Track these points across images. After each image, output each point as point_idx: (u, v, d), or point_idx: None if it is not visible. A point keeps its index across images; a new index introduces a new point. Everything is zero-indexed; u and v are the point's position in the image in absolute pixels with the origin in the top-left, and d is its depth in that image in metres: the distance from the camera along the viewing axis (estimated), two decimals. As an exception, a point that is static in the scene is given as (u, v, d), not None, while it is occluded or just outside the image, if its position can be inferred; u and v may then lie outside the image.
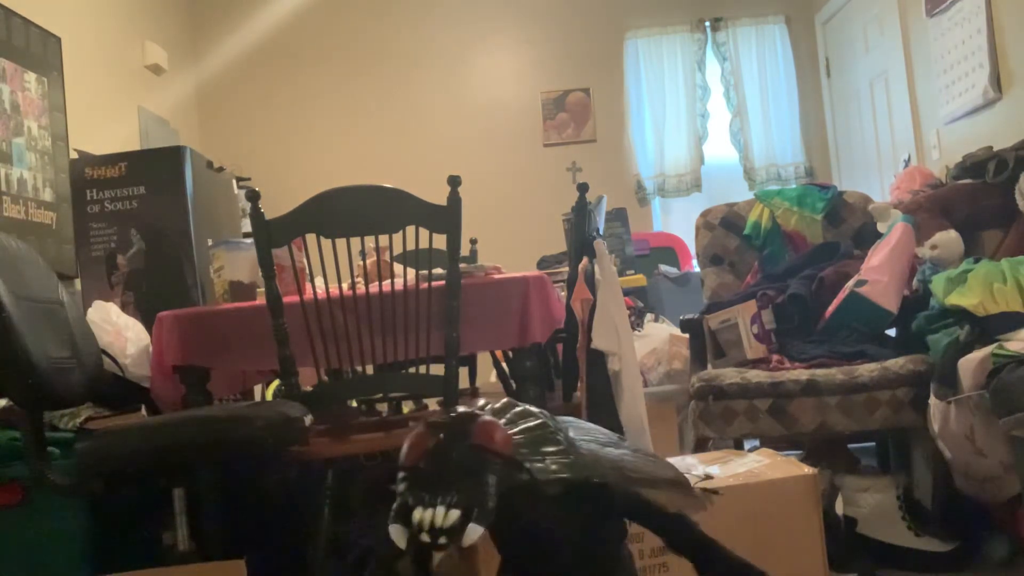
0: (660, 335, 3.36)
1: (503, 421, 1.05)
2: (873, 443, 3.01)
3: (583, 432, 1.14)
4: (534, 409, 1.11)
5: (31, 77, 3.56)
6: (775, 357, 2.62)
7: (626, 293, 2.84)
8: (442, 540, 0.94)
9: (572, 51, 5.52)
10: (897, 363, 2.37)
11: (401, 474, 1.00)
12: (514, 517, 0.98)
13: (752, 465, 1.87)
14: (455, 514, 0.93)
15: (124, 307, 2.82)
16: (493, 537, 1.00)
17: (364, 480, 2.38)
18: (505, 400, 1.12)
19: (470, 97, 5.52)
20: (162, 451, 1.69)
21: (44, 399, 1.67)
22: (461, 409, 1.05)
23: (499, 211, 5.19)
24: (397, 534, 0.97)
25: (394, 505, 0.98)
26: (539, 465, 1.00)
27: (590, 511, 1.07)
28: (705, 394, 2.46)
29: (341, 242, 2.02)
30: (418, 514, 0.95)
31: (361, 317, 2.04)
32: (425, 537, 0.94)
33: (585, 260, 2.34)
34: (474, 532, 0.94)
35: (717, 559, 1.10)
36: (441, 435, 1.00)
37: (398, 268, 2.40)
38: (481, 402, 1.11)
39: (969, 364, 2.01)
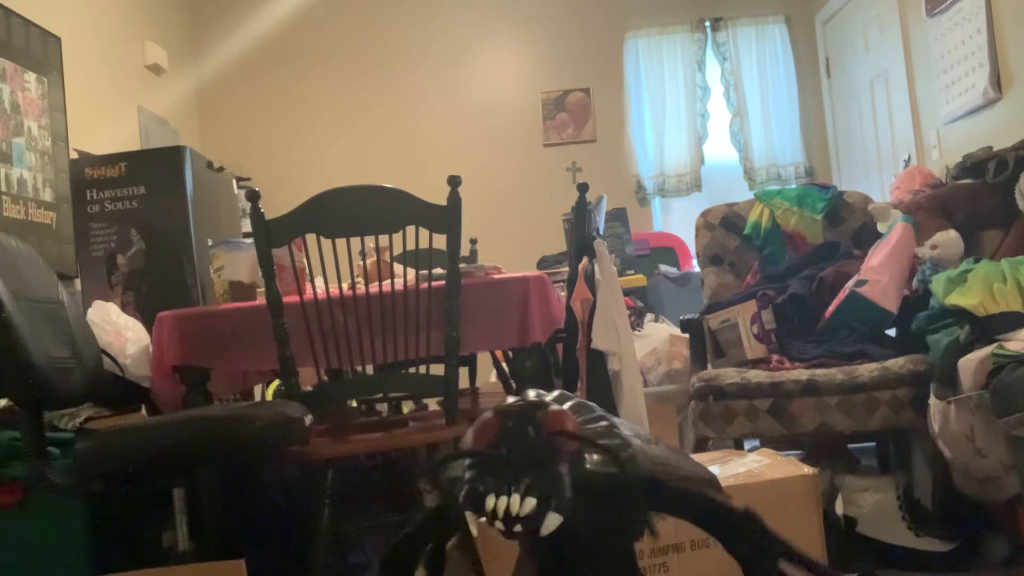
0: (660, 335, 3.36)
1: None
2: (873, 443, 3.01)
3: (624, 428, 1.13)
4: (589, 403, 1.10)
5: (31, 77, 3.56)
6: (775, 357, 2.62)
7: (626, 293, 2.84)
8: (517, 528, 0.93)
9: (572, 51, 5.53)
10: (897, 363, 2.37)
11: (468, 460, 0.99)
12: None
13: (752, 465, 1.87)
14: (531, 502, 0.92)
15: (124, 307, 2.82)
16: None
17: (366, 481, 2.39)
18: (558, 392, 1.11)
19: (470, 97, 5.52)
20: (162, 451, 1.68)
21: (44, 399, 1.67)
22: (527, 398, 1.04)
23: (499, 211, 5.19)
24: (470, 520, 0.96)
25: (463, 491, 0.97)
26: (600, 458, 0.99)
27: (631, 506, 1.05)
28: (705, 394, 2.46)
29: (341, 242, 2.02)
30: (492, 501, 0.93)
31: (361, 317, 2.04)
32: (499, 524, 0.93)
33: (585, 260, 2.34)
34: (553, 521, 0.93)
35: (787, 557, 1.07)
36: (510, 422, 0.99)
37: (398, 268, 2.40)
38: (532, 393, 1.09)
39: (969, 364, 2.01)
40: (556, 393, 1.10)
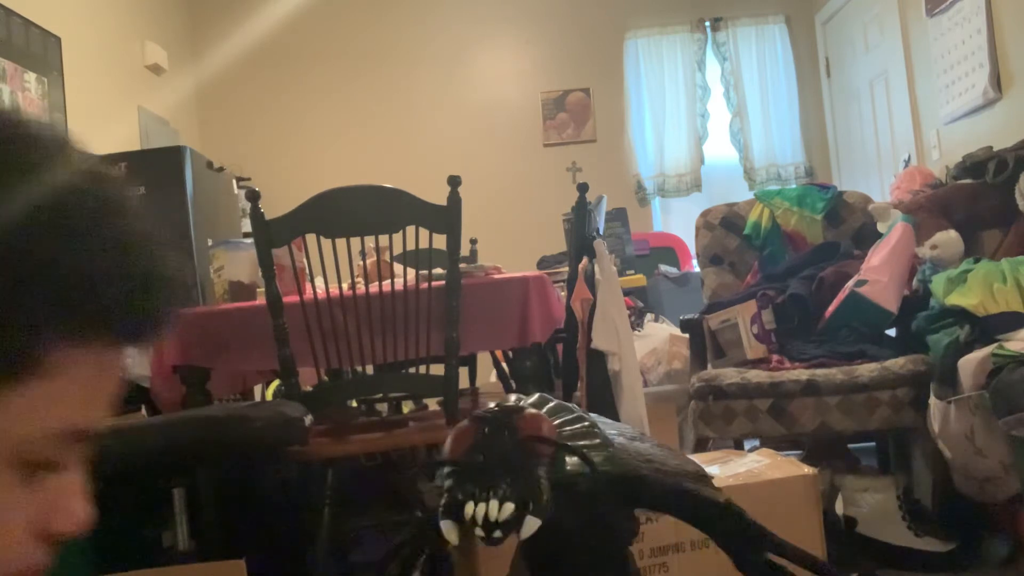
0: (660, 335, 3.36)
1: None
2: (873, 443, 3.01)
3: (609, 427, 1.13)
4: (568, 404, 1.10)
5: (31, 77, 3.56)
6: (775, 357, 2.62)
7: (626, 293, 2.84)
8: (497, 534, 0.93)
9: (572, 51, 5.52)
10: (897, 363, 2.37)
11: (446, 469, 0.99)
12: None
13: (752, 465, 1.87)
14: (509, 507, 0.92)
15: (124, 307, 2.82)
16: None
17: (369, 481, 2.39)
18: (538, 395, 1.11)
19: (470, 97, 5.52)
20: (162, 451, 1.69)
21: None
22: (503, 403, 1.04)
23: (499, 211, 5.19)
24: (449, 529, 0.96)
25: (442, 500, 0.97)
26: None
27: (615, 505, 1.06)
28: (705, 394, 2.46)
29: (341, 242, 2.02)
30: (470, 508, 0.93)
31: (361, 317, 2.04)
32: (479, 531, 0.93)
33: (585, 260, 2.34)
34: (532, 524, 0.93)
35: (776, 548, 1.08)
36: (486, 428, 0.99)
37: (398, 268, 2.40)
38: (512, 397, 1.10)
39: (969, 364, 2.01)
40: (535, 396, 1.10)
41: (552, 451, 0.98)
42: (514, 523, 0.92)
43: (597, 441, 1.03)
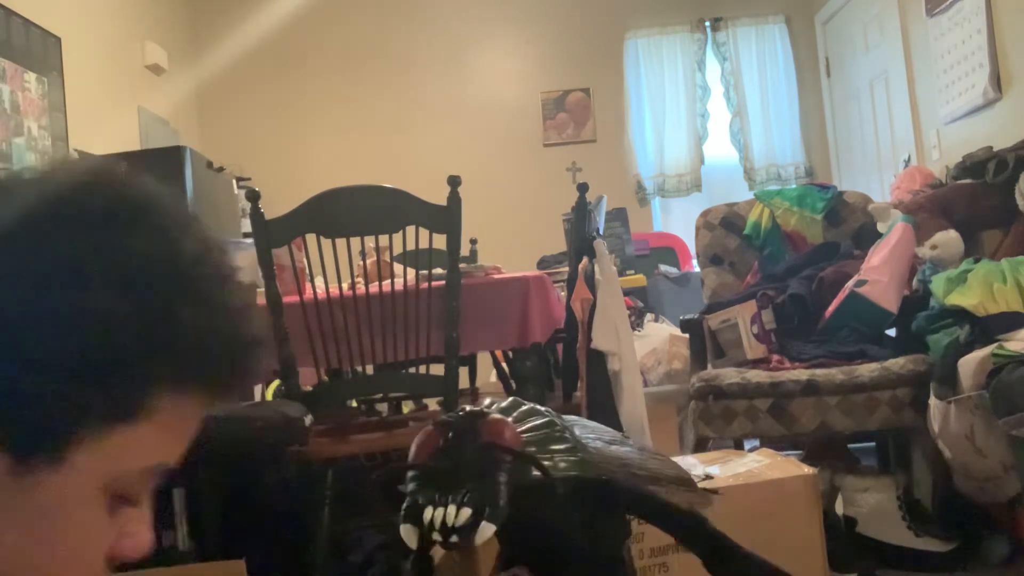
0: (660, 335, 3.36)
1: (510, 419, 1.05)
2: (873, 443, 3.01)
3: (588, 430, 1.14)
4: (540, 407, 1.10)
5: (31, 77, 3.56)
6: (775, 357, 2.62)
7: (626, 293, 2.84)
8: (453, 539, 0.93)
9: (572, 51, 5.52)
10: (897, 363, 2.37)
11: (410, 474, 1.00)
12: (520, 515, 0.98)
13: (752, 465, 1.87)
14: (466, 512, 0.93)
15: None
16: (498, 535, 1.00)
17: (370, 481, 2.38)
18: (511, 399, 1.11)
19: (470, 97, 5.52)
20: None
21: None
22: (468, 408, 1.05)
23: (499, 211, 5.19)
24: (408, 534, 0.97)
25: (404, 505, 0.98)
26: (548, 463, 1.00)
27: (595, 509, 1.06)
28: (705, 394, 2.46)
29: (341, 242, 2.02)
30: (429, 513, 0.94)
31: (361, 317, 2.04)
32: (436, 536, 0.94)
33: (585, 260, 2.34)
34: (486, 530, 0.93)
35: (732, 557, 1.09)
36: (450, 434, 1.00)
37: (398, 268, 2.40)
38: (487, 400, 1.10)
39: (969, 364, 2.01)
40: (508, 400, 1.10)
41: (511, 458, 0.98)
42: (471, 528, 0.93)
43: (567, 445, 1.04)
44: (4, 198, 0.59)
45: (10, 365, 0.55)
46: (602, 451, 1.08)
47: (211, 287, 0.63)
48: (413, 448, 1.02)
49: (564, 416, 1.15)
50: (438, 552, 1.08)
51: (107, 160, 0.69)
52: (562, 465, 1.01)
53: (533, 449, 1.02)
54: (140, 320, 0.58)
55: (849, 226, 3.12)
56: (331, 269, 2.05)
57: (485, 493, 0.94)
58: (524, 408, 1.09)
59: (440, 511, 0.93)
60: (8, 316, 0.55)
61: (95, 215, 0.59)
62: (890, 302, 2.58)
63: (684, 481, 1.16)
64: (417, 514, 0.95)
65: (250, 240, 2.14)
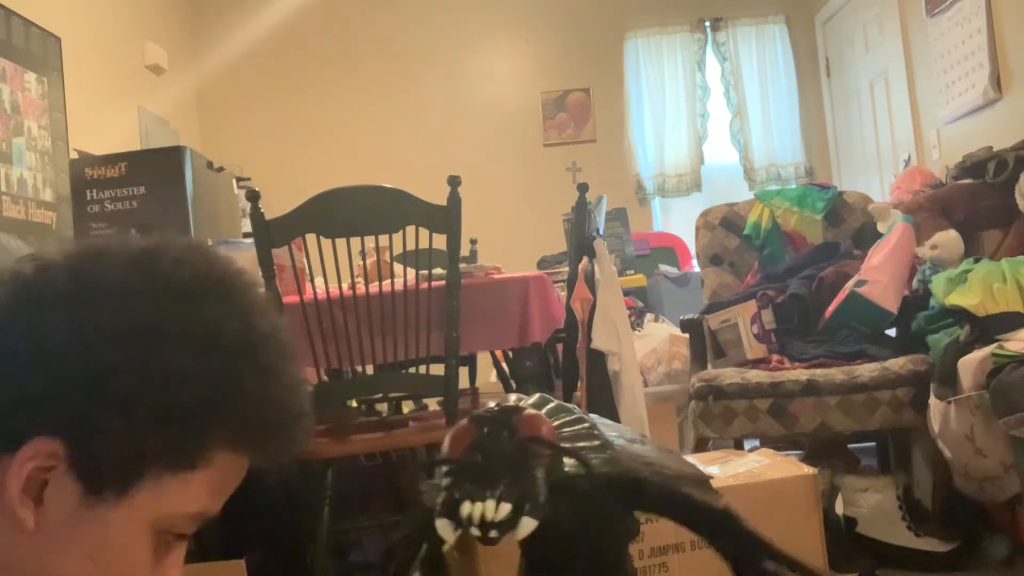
0: (660, 335, 3.36)
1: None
2: (873, 443, 3.01)
3: (608, 428, 1.13)
4: (568, 404, 1.10)
5: (31, 77, 3.56)
6: (775, 357, 2.62)
7: (626, 293, 2.85)
8: (493, 534, 0.93)
9: (572, 51, 5.52)
10: (897, 363, 2.37)
11: (444, 468, 0.99)
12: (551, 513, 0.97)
13: (752, 465, 1.87)
14: (506, 507, 0.92)
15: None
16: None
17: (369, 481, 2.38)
18: (538, 395, 1.11)
19: (470, 97, 5.52)
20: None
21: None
22: (502, 403, 1.04)
23: (499, 211, 5.19)
24: (444, 528, 0.96)
25: (439, 499, 0.97)
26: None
27: (625, 507, 1.06)
28: (705, 394, 2.46)
29: (341, 242, 2.02)
30: (467, 508, 0.93)
31: (361, 317, 2.04)
32: (475, 531, 0.93)
33: (585, 260, 2.34)
34: (528, 525, 0.93)
35: (770, 556, 1.08)
36: (485, 429, 1.00)
37: (398, 268, 2.40)
38: (514, 397, 1.10)
39: (969, 364, 2.01)
40: (536, 397, 1.10)
41: (551, 452, 0.98)
42: (510, 523, 0.93)
43: (597, 443, 1.03)
44: (105, 263, 0.69)
45: (105, 406, 0.63)
46: (627, 449, 1.07)
47: (274, 362, 0.71)
48: (447, 442, 1.01)
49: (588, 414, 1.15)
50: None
51: (199, 241, 0.81)
52: (595, 462, 1.01)
53: (567, 446, 1.01)
54: (211, 382, 0.67)
55: (849, 226, 3.12)
56: (331, 269, 2.05)
57: (524, 488, 0.94)
58: (552, 405, 1.08)
59: (479, 506, 0.93)
60: (105, 362, 0.64)
61: (182, 287, 0.69)
62: (890, 302, 2.58)
63: (702, 481, 1.15)
64: (454, 508, 0.95)
65: (250, 240, 2.14)
